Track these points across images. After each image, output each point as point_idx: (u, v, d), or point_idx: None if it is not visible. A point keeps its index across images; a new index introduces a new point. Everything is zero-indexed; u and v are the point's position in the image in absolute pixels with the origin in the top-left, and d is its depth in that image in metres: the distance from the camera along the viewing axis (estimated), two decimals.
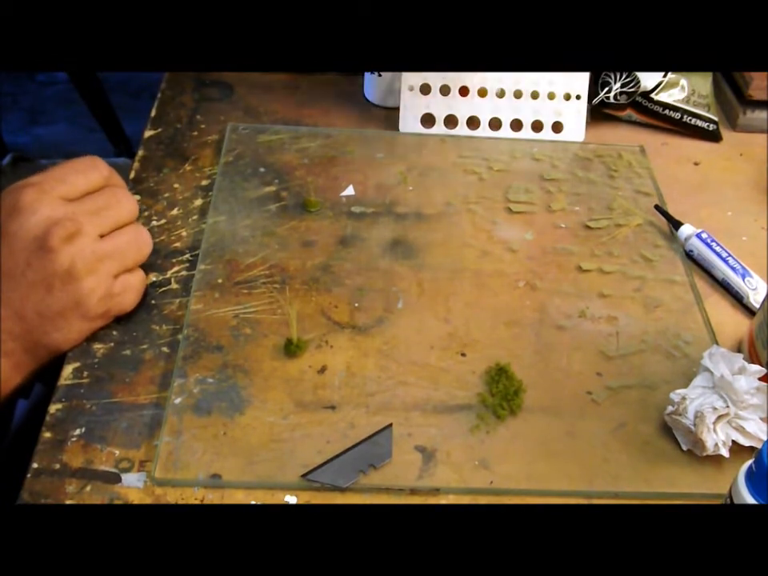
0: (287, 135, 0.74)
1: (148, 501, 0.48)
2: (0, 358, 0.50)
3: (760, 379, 0.51)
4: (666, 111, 0.78)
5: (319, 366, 0.55)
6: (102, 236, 0.53)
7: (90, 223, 0.52)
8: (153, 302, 0.58)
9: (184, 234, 0.64)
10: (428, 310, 0.60)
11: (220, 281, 0.60)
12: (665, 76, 0.78)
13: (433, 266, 0.63)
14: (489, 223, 0.68)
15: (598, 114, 0.78)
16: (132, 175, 0.69)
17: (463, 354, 0.57)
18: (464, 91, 0.76)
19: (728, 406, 0.50)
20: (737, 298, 0.63)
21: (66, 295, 0.50)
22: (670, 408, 0.52)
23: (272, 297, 0.59)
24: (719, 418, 0.50)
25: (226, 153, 0.71)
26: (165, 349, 0.56)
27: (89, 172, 0.54)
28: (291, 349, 0.55)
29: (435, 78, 0.75)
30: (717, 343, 0.59)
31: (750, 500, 0.41)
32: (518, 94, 0.76)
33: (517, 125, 0.76)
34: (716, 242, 0.65)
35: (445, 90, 0.75)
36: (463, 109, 0.76)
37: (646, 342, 0.59)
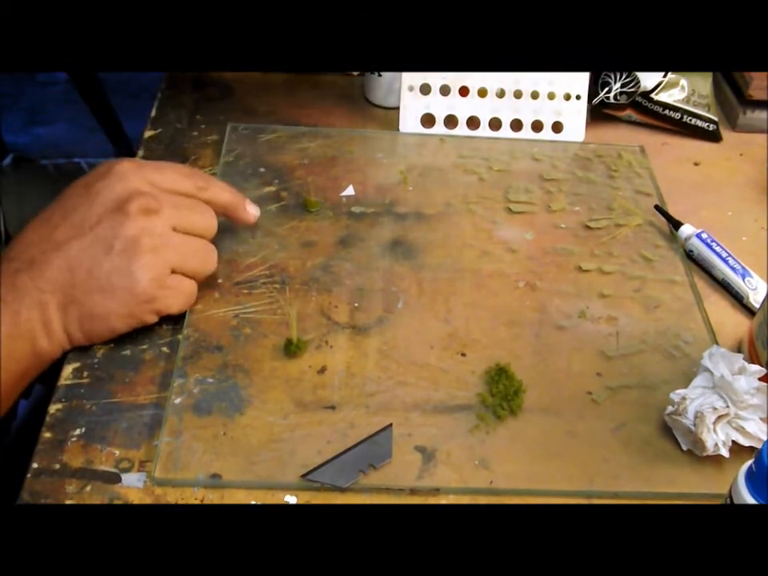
0: (287, 135, 0.74)
1: (148, 501, 0.48)
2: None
3: (760, 379, 0.51)
4: (666, 111, 0.78)
5: (319, 366, 0.55)
6: (174, 230, 0.53)
7: (170, 211, 0.53)
8: None
9: None
10: (428, 310, 0.60)
11: (220, 281, 0.60)
12: (665, 76, 0.78)
13: (433, 266, 0.63)
14: (489, 223, 0.68)
15: (598, 114, 0.78)
16: None
17: (463, 354, 0.57)
18: (464, 91, 0.76)
19: (728, 406, 0.50)
20: (737, 298, 0.63)
21: (120, 260, 0.51)
22: (670, 408, 0.52)
23: (272, 297, 0.59)
24: (719, 418, 0.50)
25: (226, 153, 0.71)
26: (165, 349, 0.56)
27: (184, 177, 0.56)
28: (291, 349, 0.55)
29: (435, 78, 0.75)
30: (717, 343, 0.59)
31: (749, 500, 0.41)
32: (517, 94, 0.76)
33: (517, 125, 0.76)
34: (716, 242, 0.65)
35: (445, 90, 0.75)
36: (463, 109, 0.76)
37: (646, 342, 0.59)
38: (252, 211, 0.61)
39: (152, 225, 0.52)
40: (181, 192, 0.55)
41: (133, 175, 0.53)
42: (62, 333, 0.52)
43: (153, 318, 0.54)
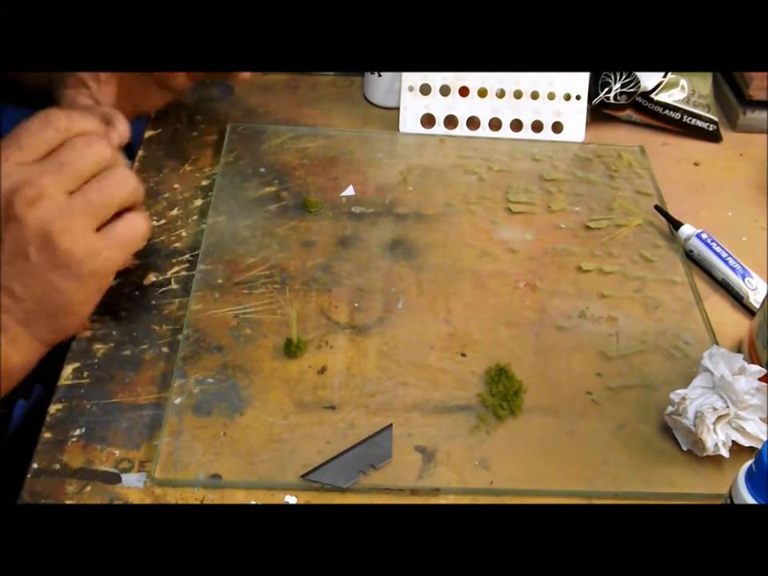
0: (287, 135, 0.74)
1: (148, 501, 0.48)
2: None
3: (760, 379, 0.51)
4: (666, 111, 0.78)
5: (319, 366, 0.55)
6: (72, 192, 0.49)
7: (53, 182, 0.49)
8: (153, 302, 0.58)
9: (184, 234, 0.64)
10: (428, 310, 0.60)
11: (220, 281, 0.60)
12: (665, 76, 0.78)
13: (433, 266, 0.63)
14: (489, 223, 0.68)
15: (598, 114, 0.78)
16: None
17: (463, 355, 0.57)
18: (464, 91, 0.76)
19: (728, 407, 0.50)
20: (737, 298, 0.63)
21: (44, 260, 0.48)
22: (670, 408, 0.52)
23: (272, 297, 0.59)
24: (719, 418, 0.50)
25: (226, 153, 0.71)
26: (165, 349, 0.56)
27: (43, 130, 0.50)
28: (291, 349, 0.55)
29: (435, 78, 0.75)
30: (717, 343, 0.59)
31: (749, 500, 0.41)
32: (517, 94, 0.76)
33: (517, 125, 0.76)
34: (716, 242, 0.65)
35: (445, 90, 0.75)
36: (463, 109, 0.76)
37: (645, 342, 0.59)
38: (121, 130, 0.56)
39: (47, 210, 0.48)
40: (49, 149, 0.50)
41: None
42: (33, 342, 0.50)
43: (110, 280, 0.52)
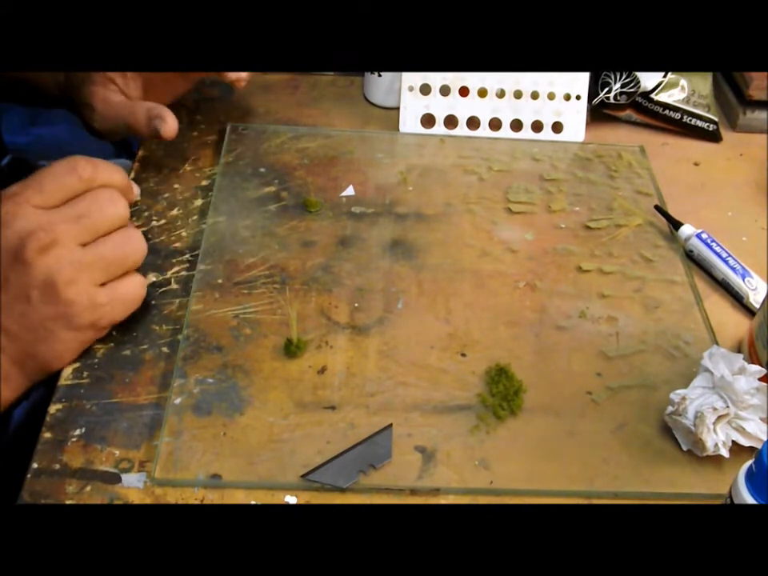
0: (287, 135, 0.74)
1: (148, 501, 0.47)
2: None
3: (760, 379, 0.51)
4: (666, 111, 0.78)
5: (319, 366, 0.55)
6: (85, 244, 0.50)
7: (68, 232, 0.49)
8: (153, 302, 0.58)
9: (184, 233, 0.64)
10: (428, 310, 0.60)
11: (220, 281, 0.60)
12: (665, 76, 0.78)
13: (433, 266, 0.63)
14: (489, 223, 0.68)
15: (598, 114, 0.78)
16: (132, 175, 0.69)
17: (463, 355, 0.57)
18: (464, 91, 0.76)
19: (728, 407, 0.50)
20: (737, 298, 0.63)
21: (46, 307, 0.49)
22: (670, 408, 0.52)
23: (272, 297, 0.59)
24: (719, 418, 0.50)
25: (226, 153, 0.71)
26: (165, 349, 0.56)
27: (66, 177, 0.51)
28: (291, 349, 0.55)
29: (435, 78, 0.75)
30: (717, 343, 0.59)
31: (749, 500, 0.41)
32: (517, 94, 0.76)
33: (517, 125, 0.76)
34: (716, 242, 0.65)
35: (445, 90, 0.75)
36: (463, 109, 0.76)
37: (645, 342, 0.59)
38: (135, 191, 0.58)
39: (57, 259, 0.49)
40: (70, 196, 0.51)
41: (15, 216, 0.49)
42: (24, 380, 0.51)
43: (104, 333, 0.54)
